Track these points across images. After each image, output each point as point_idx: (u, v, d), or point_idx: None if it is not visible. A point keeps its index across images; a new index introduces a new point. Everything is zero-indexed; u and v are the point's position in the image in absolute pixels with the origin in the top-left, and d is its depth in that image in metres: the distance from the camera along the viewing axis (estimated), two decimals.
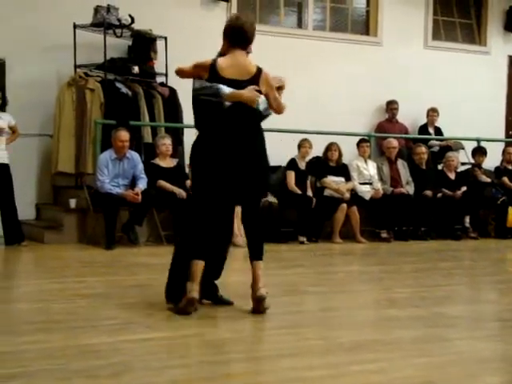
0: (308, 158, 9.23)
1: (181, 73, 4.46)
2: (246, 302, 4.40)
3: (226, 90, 4.28)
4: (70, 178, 8.75)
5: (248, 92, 4.31)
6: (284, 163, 9.15)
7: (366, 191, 9.23)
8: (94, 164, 8.31)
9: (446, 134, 11.03)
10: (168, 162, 8.27)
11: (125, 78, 8.84)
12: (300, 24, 10.76)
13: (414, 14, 11.16)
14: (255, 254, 4.43)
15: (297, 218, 8.77)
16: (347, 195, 8.96)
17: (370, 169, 9.41)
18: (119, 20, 8.66)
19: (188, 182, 7.71)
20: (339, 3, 10.95)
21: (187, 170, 8.12)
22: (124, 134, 7.93)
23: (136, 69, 8.77)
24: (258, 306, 4.32)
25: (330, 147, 9.15)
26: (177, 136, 8.86)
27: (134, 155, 8.08)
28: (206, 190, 4.37)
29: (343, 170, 9.21)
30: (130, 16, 8.74)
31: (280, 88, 4.56)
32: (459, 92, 11.24)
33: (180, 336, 3.89)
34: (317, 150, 9.29)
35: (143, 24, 8.87)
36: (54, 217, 8.49)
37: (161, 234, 8.07)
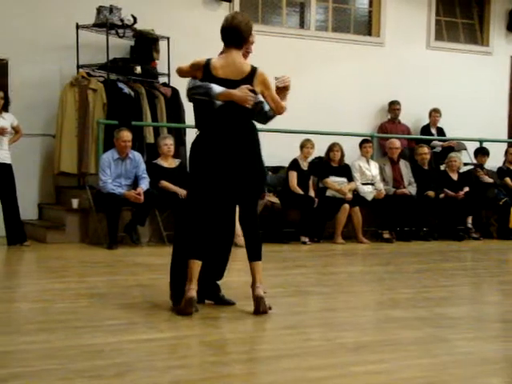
0: (310, 159, 9.22)
1: (180, 72, 4.46)
2: (248, 303, 4.40)
3: (217, 89, 4.26)
4: (73, 178, 8.77)
5: (240, 91, 4.27)
6: (286, 163, 9.16)
7: (368, 192, 9.22)
8: (96, 164, 8.32)
9: (449, 134, 11.02)
10: (170, 163, 8.27)
11: (127, 78, 8.85)
12: (302, 24, 10.76)
13: (416, 14, 11.16)
14: (253, 255, 4.42)
15: (299, 218, 8.77)
16: (349, 196, 8.95)
17: (373, 169, 9.40)
18: (122, 20, 8.67)
19: None
20: (342, 3, 10.95)
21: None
22: (126, 134, 7.94)
23: (138, 69, 8.78)
24: (258, 306, 4.32)
25: (332, 148, 9.15)
26: (179, 136, 8.88)
27: (137, 155, 8.09)
28: (200, 189, 4.37)
29: (345, 171, 9.20)
30: (132, 16, 8.75)
31: (285, 88, 4.52)
32: (461, 92, 11.24)
33: (182, 336, 3.89)
34: (319, 151, 9.29)
35: (146, 24, 8.89)
36: (56, 217, 8.50)
37: (163, 234, 8.07)
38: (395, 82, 10.83)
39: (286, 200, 8.74)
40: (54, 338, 3.67)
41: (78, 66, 8.71)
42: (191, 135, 4.80)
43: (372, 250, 8.46)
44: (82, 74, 8.60)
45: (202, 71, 4.35)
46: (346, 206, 8.85)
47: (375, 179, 9.36)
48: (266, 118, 4.66)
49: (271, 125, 4.87)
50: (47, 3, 8.82)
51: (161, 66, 9.15)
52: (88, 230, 8.20)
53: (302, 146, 9.01)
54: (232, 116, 4.34)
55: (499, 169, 10.49)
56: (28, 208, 8.54)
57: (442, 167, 10.22)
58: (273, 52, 9.69)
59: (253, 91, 4.32)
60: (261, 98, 4.45)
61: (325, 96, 10.28)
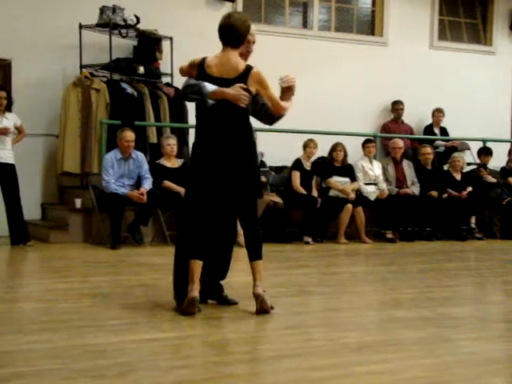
0: (313, 159, 9.22)
1: (181, 72, 4.47)
2: (251, 303, 4.39)
3: (209, 87, 4.23)
4: (76, 178, 8.78)
5: (232, 90, 4.23)
6: (289, 163, 9.16)
7: (371, 192, 9.22)
8: (99, 164, 8.33)
9: (452, 134, 11.01)
10: (173, 163, 8.27)
11: (130, 79, 8.86)
12: (305, 24, 10.76)
13: (419, 14, 11.16)
14: (253, 254, 4.40)
15: (302, 218, 8.76)
16: (352, 195, 8.95)
17: (376, 169, 9.39)
18: (125, 20, 8.68)
19: None
20: (345, 3, 10.94)
21: None
22: (129, 135, 7.94)
23: (141, 69, 8.79)
24: (258, 305, 4.31)
25: (335, 147, 9.14)
26: (182, 136, 8.88)
27: (140, 155, 8.09)
28: (195, 188, 4.37)
29: (348, 171, 9.20)
30: (135, 16, 8.76)
31: (289, 89, 4.47)
32: (465, 92, 11.23)
33: (185, 336, 3.89)
34: (322, 151, 9.29)
35: (149, 24, 8.89)
36: (59, 217, 8.50)
37: (166, 234, 8.07)
38: (398, 82, 10.82)
39: (289, 200, 8.74)
40: (57, 337, 3.67)
41: (81, 66, 8.72)
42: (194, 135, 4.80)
43: (375, 250, 8.45)
44: (85, 74, 8.61)
45: (196, 70, 4.35)
46: (349, 205, 8.84)
47: (378, 179, 9.35)
48: (271, 118, 4.60)
49: (274, 125, 4.85)
50: (50, 3, 8.83)
51: (164, 66, 9.15)
52: (91, 229, 8.21)
53: (305, 146, 9.00)
54: (225, 115, 4.30)
55: (502, 168, 10.47)
56: (31, 208, 8.55)
57: (446, 167, 10.21)
58: (276, 52, 9.70)
59: (247, 90, 4.26)
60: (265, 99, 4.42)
61: (328, 96, 10.28)
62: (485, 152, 10.37)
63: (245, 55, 4.44)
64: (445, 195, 9.55)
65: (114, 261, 6.90)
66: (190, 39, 9.06)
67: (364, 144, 9.55)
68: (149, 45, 8.97)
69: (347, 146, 9.23)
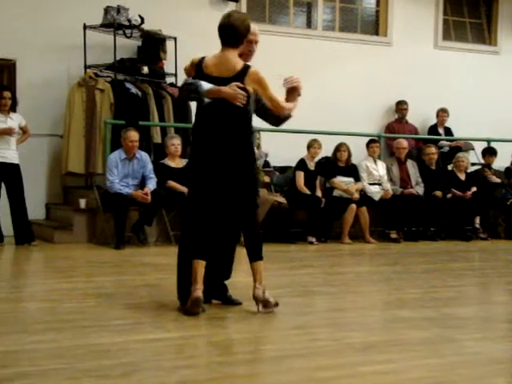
0: (317, 159, 9.22)
1: (185, 71, 4.48)
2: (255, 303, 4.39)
3: (205, 86, 4.21)
4: (80, 178, 8.79)
5: (228, 88, 4.20)
6: (293, 163, 9.15)
7: (375, 192, 9.21)
8: (103, 164, 8.34)
9: (456, 134, 11.00)
10: (177, 163, 8.27)
11: (134, 79, 8.87)
12: (309, 24, 10.76)
13: (424, 14, 11.15)
14: (253, 255, 4.38)
15: (306, 218, 8.76)
16: (356, 196, 8.94)
17: (380, 169, 9.38)
18: (129, 20, 8.69)
19: None
20: (349, 3, 10.94)
21: None
22: (133, 135, 7.95)
23: (145, 69, 8.80)
24: (260, 308, 4.31)
25: (339, 147, 9.14)
26: (186, 136, 8.87)
27: (144, 155, 8.10)
28: (195, 188, 4.36)
29: (352, 171, 9.19)
30: (139, 16, 8.76)
31: (293, 89, 4.43)
32: (469, 92, 11.22)
33: (189, 336, 3.89)
34: (326, 151, 9.29)
35: (153, 24, 8.90)
36: (63, 217, 8.52)
37: (170, 234, 8.07)
38: (402, 82, 10.81)
39: (293, 200, 8.74)
40: (61, 337, 3.67)
41: (86, 67, 8.73)
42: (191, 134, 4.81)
43: (379, 250, 8.44)
44: (89, 75, 8.62)
45: (195, 69, 4.35)
46: (353, 205, 8.83)
47: (382, 179, 9.34)
48: (277, 119, 4.58)
49: (281, 125, 4.82)
50: (55, 4, 8.84)
51: (168, 66, 9.16)
52: (95, 229, 8.22)
53: (309, 146, 9.00)
54: (221, 114, 4.28)
55: (507, 169, 10.45)
56: (36, 208, 8.57)
57: (450, 167, 10.20)
58: (280, 52, 9.70)
59: (244, 89, 4.22)
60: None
61: (332, 96, 10.27)
62: (489, 152, 10.36)
63: (247, 55, 4.42)
64: (449, 195, 9.54)
65: (119, 261, 6.90)
66: (194, 39, 9.06)
67: (368, 144, 9.54)
68: (153, 45, 8.98)
69: (351, 146, 9.22)
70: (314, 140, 9.03)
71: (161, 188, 8.02)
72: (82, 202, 8.25)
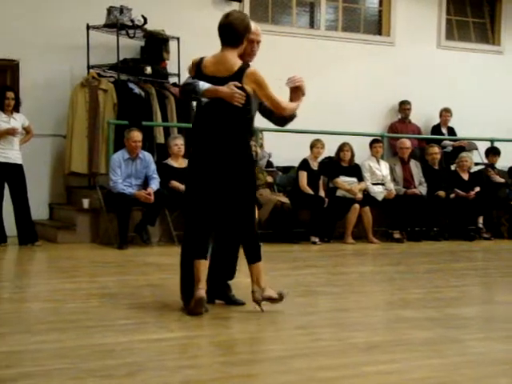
0: (320, 159, 9.22)
1: (188, 71, 4.49)
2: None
3: (203, 85, 4.21)
4: (83, 179, 8.80)
5: (225, 88, 4.19)
6: (296, 163, 9.15)
7: (378, 192, 9.20)
8: (106, 164, 8.34)
9: (460, 134, 10.98)
10: (180, 163, 8.27)
11: (137, 79, 8.87)
12: (312, 24, 10.76)
13: (427, 13, 11.13)
14: (250, 257, 4.36)
15: (309, 218, 8.76)
16: (359, 195, 8.94)
17: (383, 169, 9.38)
18: (132, 21, 8.69)
19: None
20: (352, 3, 10.93)
21: None
22: (137, 135, 7.95)
23: (149, 69, 8.80)
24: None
25: (342, 147, 9.14)
26: (189, 136, 8.87)
27: (147, 155, 8.10)
28: (193, 188, 4.36)
29: (355, 171, 9.18)
30: (142, 17, 8.77)
31: (297, 89, 4.42)
32: (472, 92, 11.20)
33: (192, 336, 3.90)
34: (329, 151, 9.28)
35: (156, 25, 8.90)
36: (67, 217, 8.53)
37: (173, 234, 8.08)
38: (405, 82, 10.80)
39: (296, 200, 8.74)
40: (65, 337, 3.68)
41: (89, 67, 8.74)
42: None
43: (382, 250, 8.44)
44: (92, 75, 8.63)
45: (195, 69, 4.35)
46: (357, 205, 8.83)
47: (385, 179, 9.33)
48: (283, 119, 4.56)
49: (286, 125, 4.80)
50: (58, 4, 8.85)
51: (171, 66, 9.16)
52: (99, 229, 8.22)
53: (312, 146, 9.00)
54: (218, 113, 4.27)
55: (510, 168, 10.44)
56: (39, 208, 8.58)
57: (453, 167, 10.19)
58: (283, 52, 9.70)
59: (241, 88, 4.21)
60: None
61: (335, 96, 10.27)
62: (492, 152, 10.34)
63: (249, 55, 4.40)
64: (452, 195, 9.53)
65: (122, 261, 6.91)
66: (197, 39, 9.05)
67: (371, 144, 9.53)
68: (156, 45, 8.98)
69: (354, 146, 9.22)
70: (317, 140, 9.03)
71: (164, 188, 8.03)
72: (85, 202, 8.26)
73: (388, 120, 10.93)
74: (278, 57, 9.28)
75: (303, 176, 8.88)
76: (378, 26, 11.12)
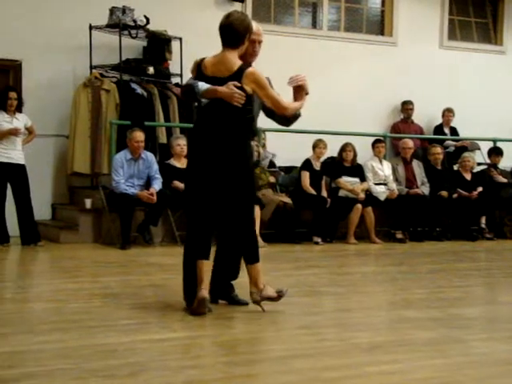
0: (323, 159, 9.21)
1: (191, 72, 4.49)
2: (261, 303, 4.39)
3: (202, 86, 4.20)
4: (86, 179, 8.81)
5: (224, 88, 4.17)
6: (298, 163, 9.15)
7: (381, 192, 9.20)
8: (109, 164, 8.35)
9: (462, 134, 10.98)
10: (183, 163, 8.26)
11: (140, 79, 8.88)
12: (315, 24, 10.76)
13: (429, 13, 11.13)
14: (248, 258, 4.36)
15: (311, 218, 8.76)
16: (362, 196, 8.93)
17: (385, 169, 9.37)
18: (134, 21, 8.70)
19: None
20: (354, 3, 10.93)
21: None
22: (139, 135, 7.96)
23: (151, 69, 8.81)
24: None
25: (344, 148, 9.13)
26: None
27: (149, 156, 8.11)
28: (191, 188, 4.36)
29: (358, 171, 9.18)
30: (145, 17, 8.77)
31: (300, 88, 4.40)
32: (475, 92, 11.19)
33: (195, 336, 3.90)
34: (331, 151, 9.28)
35: (158, 25, 8.91)
36: (69, 217, 8.53)
37: (175, 234, 8.08)
38: (408, 82, 10.79)
39: (299, 200, 8.73)
40: (67, 337, 3.68)
41: (91, 67, 8.74)
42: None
43: (385, 250, 8.43)
44: (95, 75, 8.64)
45: (195, 70, 4.35)
46: (359, 206, 8.83)
47: (388, 179, 9.33)
48: (286, 119, 4.55)
49: (291, 125, 4.79)
50: (60, 4, 8.86)
51: (173, 66, 9.17)
52: (101, 230, 8.23)
53: (315, 146, 9.00)
54: (217, 114, 4.26)
55: None
56: (42, 208, 8.58)
57: (456, 167, 10.18)
58: (285, 52, 9.70)
59: (241, 89, 4.19)
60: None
61: (337, 96, 10.27)
62: (495, 152, 10.34)
63: (251, 55, 4.39)
64: (455, 195, 9.52)
65: (124, 261, 6.91)
66: (200, 40, 9.05)
67: (374, 144, 9.53)
68: (158, 45, 8.99)
69: (357, 146, 9.22)
70: (320, 140, 9.03)
71: (166, 188, 8.03)
72: (88, 203, 8.27)
73: (390, 120, 10.93)
74: (281, 57, 9.27)
75: (305, 176, 8.87)
76: (380, 26, 11.11)
